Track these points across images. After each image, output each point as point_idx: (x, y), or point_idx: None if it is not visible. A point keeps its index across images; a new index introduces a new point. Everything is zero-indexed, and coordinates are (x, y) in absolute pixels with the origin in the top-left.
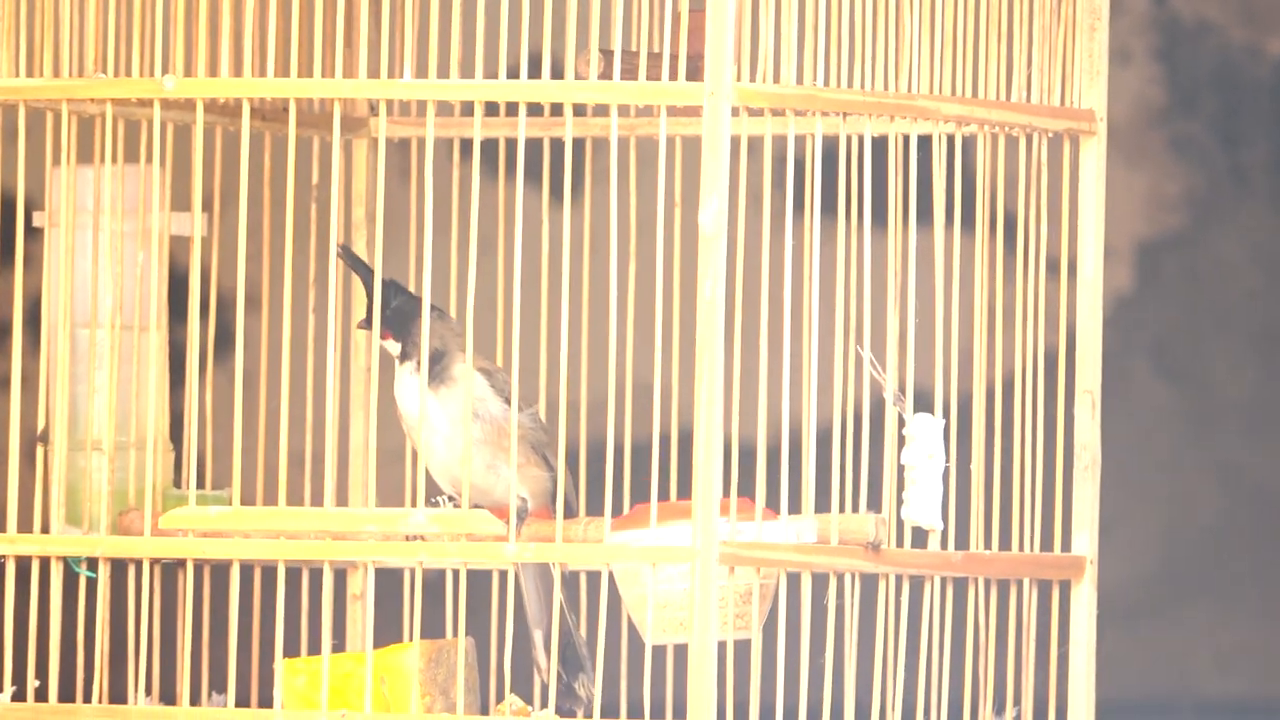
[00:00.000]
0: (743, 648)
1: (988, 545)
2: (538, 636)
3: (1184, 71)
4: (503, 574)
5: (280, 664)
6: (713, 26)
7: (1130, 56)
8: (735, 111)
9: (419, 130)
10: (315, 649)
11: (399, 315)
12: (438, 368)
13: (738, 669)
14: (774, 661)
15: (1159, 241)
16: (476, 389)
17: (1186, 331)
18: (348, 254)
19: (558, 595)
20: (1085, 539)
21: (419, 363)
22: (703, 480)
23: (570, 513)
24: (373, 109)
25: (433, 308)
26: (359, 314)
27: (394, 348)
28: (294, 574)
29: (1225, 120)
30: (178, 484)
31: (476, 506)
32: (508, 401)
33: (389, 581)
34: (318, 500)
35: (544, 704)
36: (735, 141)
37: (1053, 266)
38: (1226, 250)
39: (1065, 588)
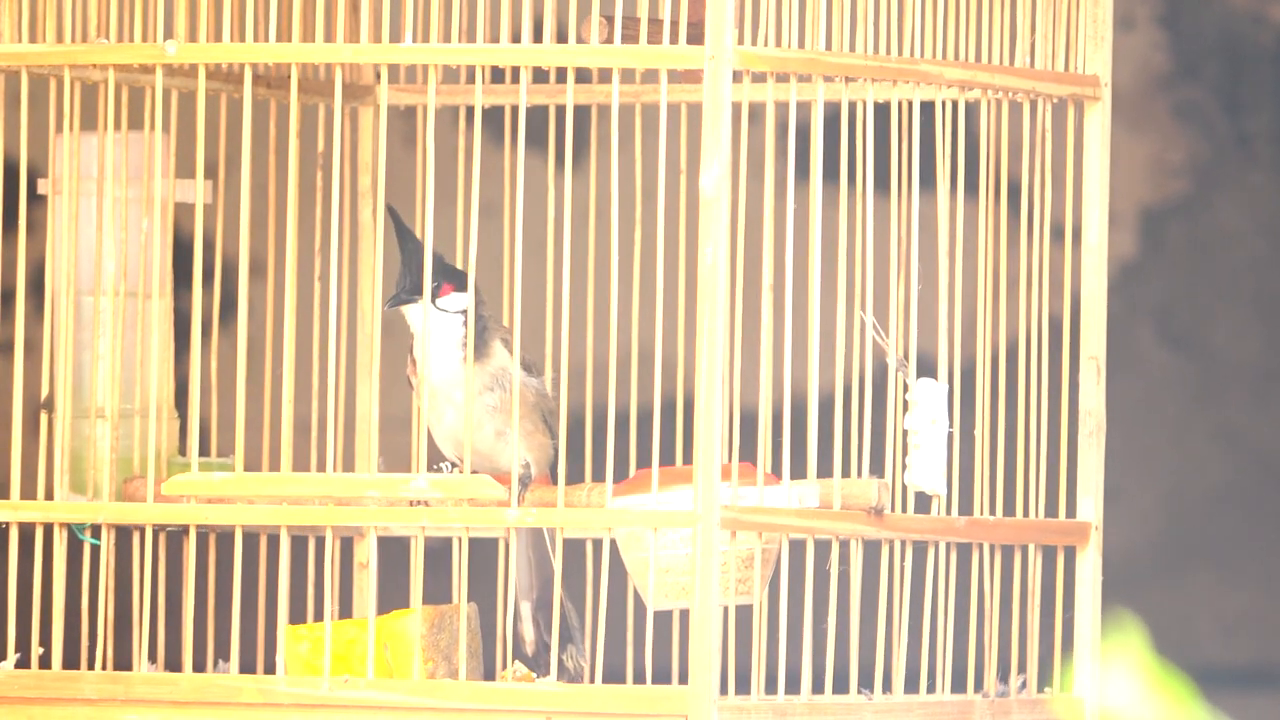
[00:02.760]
0: (745, 613)
1: (992, 511)
2: (525, 608)
3: (1187, 38)
4: (507, 541)
5: (284, 630)
6: None
7: (1134, 22)
8: (737, 76)
9: (423, 97)
10: (319, 615)
11: (459, 275)
12: (479, 340)
13: (740, 634)
14: (776, 627)
15: (1163, 208)
16: (510, 360)
17: (1190, 298)
18: (394, 215)
19: (559, 564)
20: (1090, 505)
21: (467, 330)
22: (704, 445)
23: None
24: (376, 75)
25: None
26: (364, 281)
27: (459, 301)
28: (298, 540)
29: (1229, 86)
30: (182, 451)
31: (478, 473)
32: (528, 371)
33: (393, 548)
34: (323, 467)
35: (545, 671)
36: (737, 107)
37: (1057, 232)
38: (1230, 217)
39: (1070, 554)
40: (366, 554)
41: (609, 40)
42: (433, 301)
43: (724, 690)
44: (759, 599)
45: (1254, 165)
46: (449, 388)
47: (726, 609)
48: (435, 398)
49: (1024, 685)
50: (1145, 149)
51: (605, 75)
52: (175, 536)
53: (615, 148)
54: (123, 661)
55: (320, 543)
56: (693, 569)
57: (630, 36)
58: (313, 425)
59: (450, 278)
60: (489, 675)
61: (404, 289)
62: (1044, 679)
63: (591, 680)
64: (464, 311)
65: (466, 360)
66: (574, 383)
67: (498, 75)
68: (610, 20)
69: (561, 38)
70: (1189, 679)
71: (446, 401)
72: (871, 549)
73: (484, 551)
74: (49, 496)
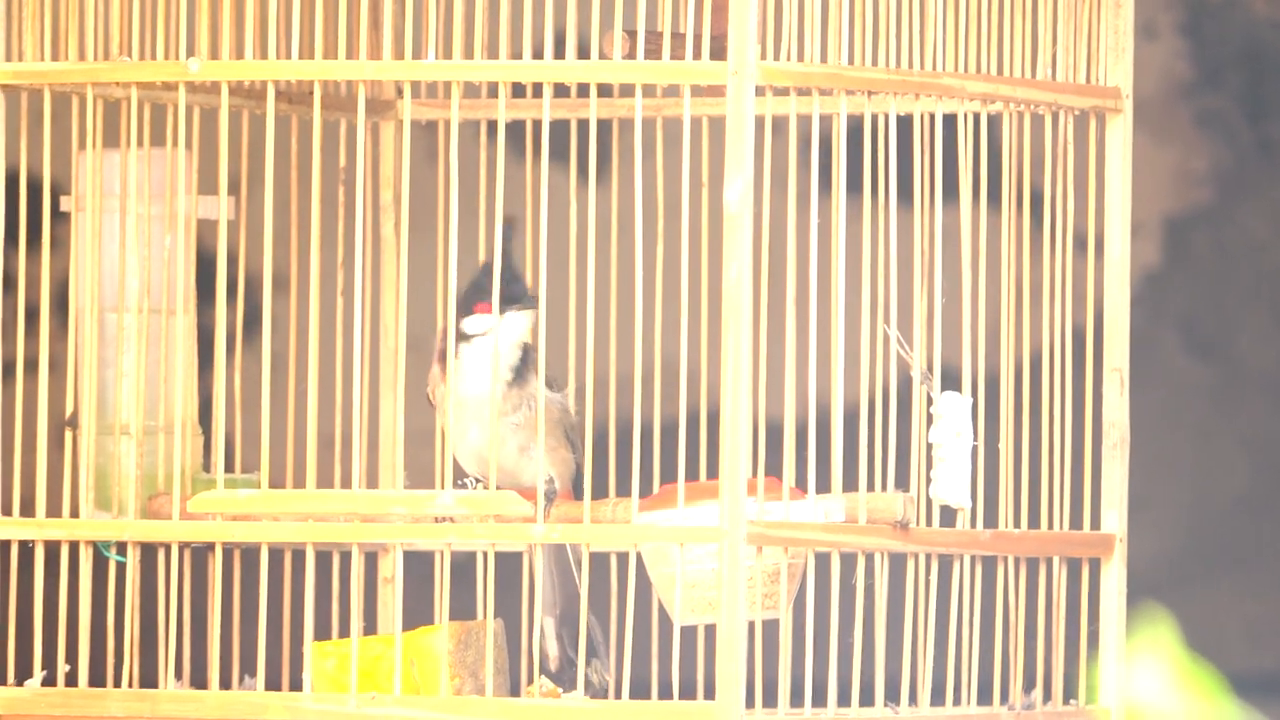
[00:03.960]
0: (771, 627)
1: (1016, 524)
2: (548, 623)
3: (1210, 46)
4: (530, 557)
5: (310, 647)
6: (736, 5)
7: (1156, 32)
8: (760, 91)
9: (445, 112)
10: (345, 632)
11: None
12: (521, 364)
13: (766, 649)
14: (802, 641)
15: (1186, 217)
16: (538, 379)
17: (1214, 306)
18: (508, 231)
19: (585, 579)
20: (1114, 517)
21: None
22: (730, 460)
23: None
24: (399, 91)
25: None
26: (387, 297)
27: (484, 323)
28: (323, 557)
29: (1251, 95)
30: (206, 468)
31: (502, 489)
32: (550, 387)
33: (418, 564)
34: (347, 483)
35: (571, 687)
36: (760, 121)
37: (1080, 244)
38: (1254, 225)
39: (1095, 565)
40: (391, 569)
41: (631, 55)
42: (459, 321)
43: (750, 704)
44: (785, 613)
45: (1277, 173)
46: (479, 405)
47: (753, 623)
48: (462, 414)
49: (1049, 698)
50: (1168, 158)
51: (626, 89)
52: (200, 553)
53: (639, 162)
54: (149, 679)
55: (344, 558)
56: (719, 584)
57: (653, 51)
58: (336, 440)
59: (485, 297)
60: (515, 691)
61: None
62: (1069, 691)
63: (618, 695)
64: (487, 334)
65: (501, 382)
66: (597, 397)
67: (518, 90)
68: (633, 35)
69: (583, 52)
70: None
71: (473, 418)
72: (897, 562)
73: (507, 566)
74: (74, 514)
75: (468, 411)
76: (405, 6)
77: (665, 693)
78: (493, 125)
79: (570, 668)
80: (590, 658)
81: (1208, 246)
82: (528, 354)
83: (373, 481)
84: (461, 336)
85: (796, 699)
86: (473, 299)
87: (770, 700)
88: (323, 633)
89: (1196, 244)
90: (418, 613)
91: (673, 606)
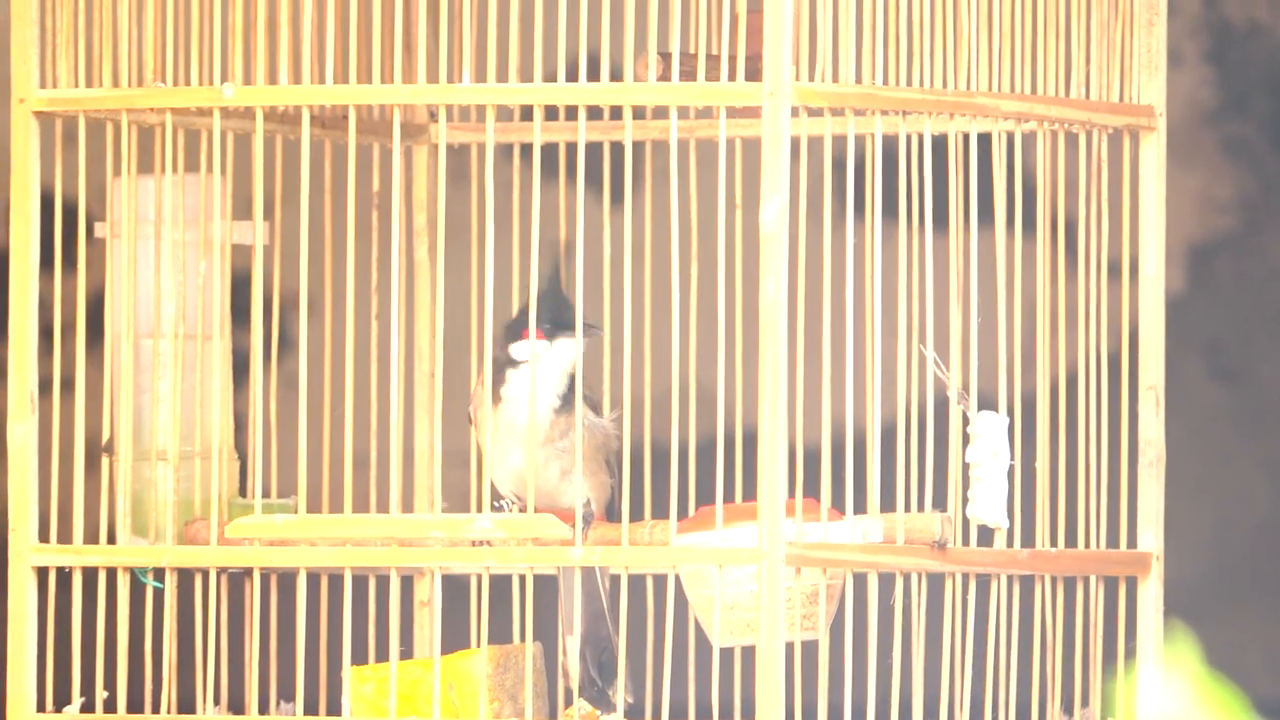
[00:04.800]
0: (810, 648)
1: (1053, 543)
2: (571, 643)
3: (1235, 73)
4: (557, 578)
5: (348, 672)
6: (771, 26)
7: (1182, 58)
8: (795, 111)
9: (479, 136)
10: (383, 656)
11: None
12: (569, 391)
13: (805, 670)
14: (841, 662)
15: (1211, 243)
16: (584, 406)
17: (1238, 332)
18: (559, 257)
19: (617, 600)
20: (1150, 535)
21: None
22: (767, 481)
23: (616, 516)
24: (432, 115)
25: None
26: (422, 320)
27: (525, 350)
28: (360, 581)
29: (1276, 122)
30: (243, 492)
31: (540, 511)
32: (594, 411)
33: (455, 587)
34: (383, 505)
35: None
36: (795, 142)
37: (1114, 264)
38: (1277, 251)
39: (1131, 584)
40: (428, 592)
41: (665, 77)
42: (508, 346)
43: None
44: (824, 634)
45: None
46: (525, 430)
47: (791, 645)
48: (509, 437)
49: (1088, 716)
50: (1193, 184)
51: (659, 111)
52: (236, 578)
53: (675, 184)
54: (186, 704)
55: (381, 581)
56: (758, 606)
57: (687, 73)
58: (371, 461)
59: (542, 321)
60: (553, 715)
61: (548, 323)
62: (1107, 709)
63: (656, 717)
64: (537, 359)
65: (549, 408)
66: (633, 419)
67: (551, 112)
68: (667, 57)
69: (616, 74)
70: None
71: (517, 442)
72: (934, 582)
73: (544, 590)
74: (111, 540)
75: (514, 435)
76: (439, 30)
77: (704, 714)
78: (526, 148)
79: (591, 687)
80: (613, 679)
81: (1231, 273)
82: (575, 380)
83: (408, 504)
84: (510, 361)
85: (835, 719)
86: (523, 325)
87: None
88: (360, 657)
89: (1220, 270)
90: (455, 636)
91: (711, 628)
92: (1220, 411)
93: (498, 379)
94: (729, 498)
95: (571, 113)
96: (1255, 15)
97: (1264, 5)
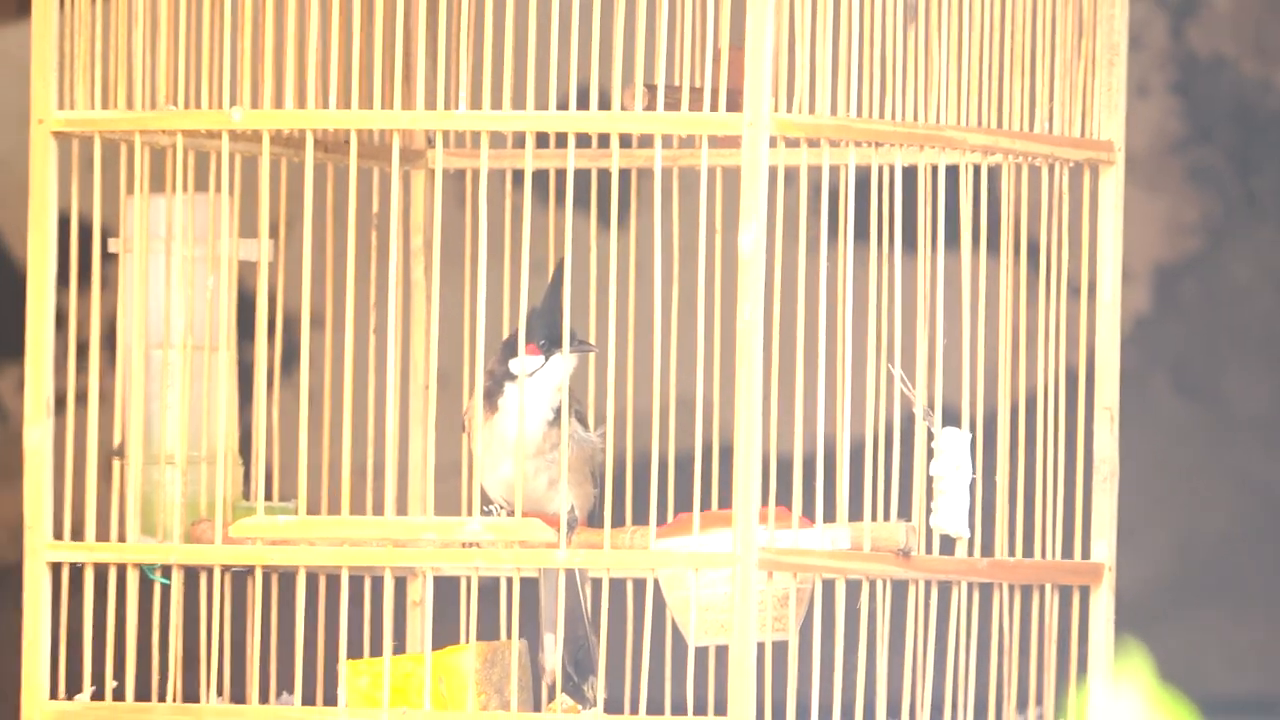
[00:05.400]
0: (780, 649)
1: (1012, 552)
2: (548, 640)
3: (1200, 103)
4: (538, 579)
5: (344, 665)
6: (751, 61)
7: (1149, 89)
8: (773, 141)
9: (474, 161)
10: (377, 651)
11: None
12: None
13: (776, 669)
14: (810, 662)
15: (1177, 265)
16: (573, 420)
17: (1203, 350)
18: (560, 271)
19: (594, 600)
20: (1104, 547)
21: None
22: (742, 490)
23: (599, 523)
24: (429, 141)
25: None
26: (418, 335)
27: (530, 364)
28: (357, 580)
29: (1239, 149)
30: (246, 495)
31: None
32: (583, 424)
33: (442, 586)
34: (379, 510)
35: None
36: (773, 171)
37: (1073, 289)
38: (1240, 273)
39: (1085, 593)
40: (420, 592)
41: (651, 107)
42: (509, 360)
43: None
44: (794, 635)
45: (1263, 223)
46: (519, 441)
47: (763, 645)
48: (501, 447)
49: (1042, 718)
50: (1160, 209)
51: (644, 140)
52: (240, 576)
53: (658, 210)
54: (191, 694)
55: (376, 581)
56: (732, 607)
57: (672, 104)
58: (369, 470)
59: (538, 337)
60: (537, 707)
61: (544, 340)
62: (1059, 710)
63: (635, 712)
64: (534, 374)
65: (543, 421)
66: (616, 431)
67: (543, 140)
68: (652, 89)
69: (604, 104)
70: (1196, 708)
71: (509, 453)
72: (899, 588)
73: (529, 591)
74: (121, 539)
75: (507, 446)
76: (436, 60)
77: (679, 710)
78: (518, 174)
79: (567, 682)
80: (588, 675)
81: (1196, 293)
82: (564, 395)
83: (403, 509)
84: (508, 375)
85: (803, 717)
86: (521, 341)
87: (779, 717)
88: (356, 652)
89: (1186, 291)
90: (445, 634)
91: (687, 628)
92: (1185, 426)
93: (495, 391)
94: (706, 505)
95: (562, 140)
96: (1219, 49)
97: (1228, 39)
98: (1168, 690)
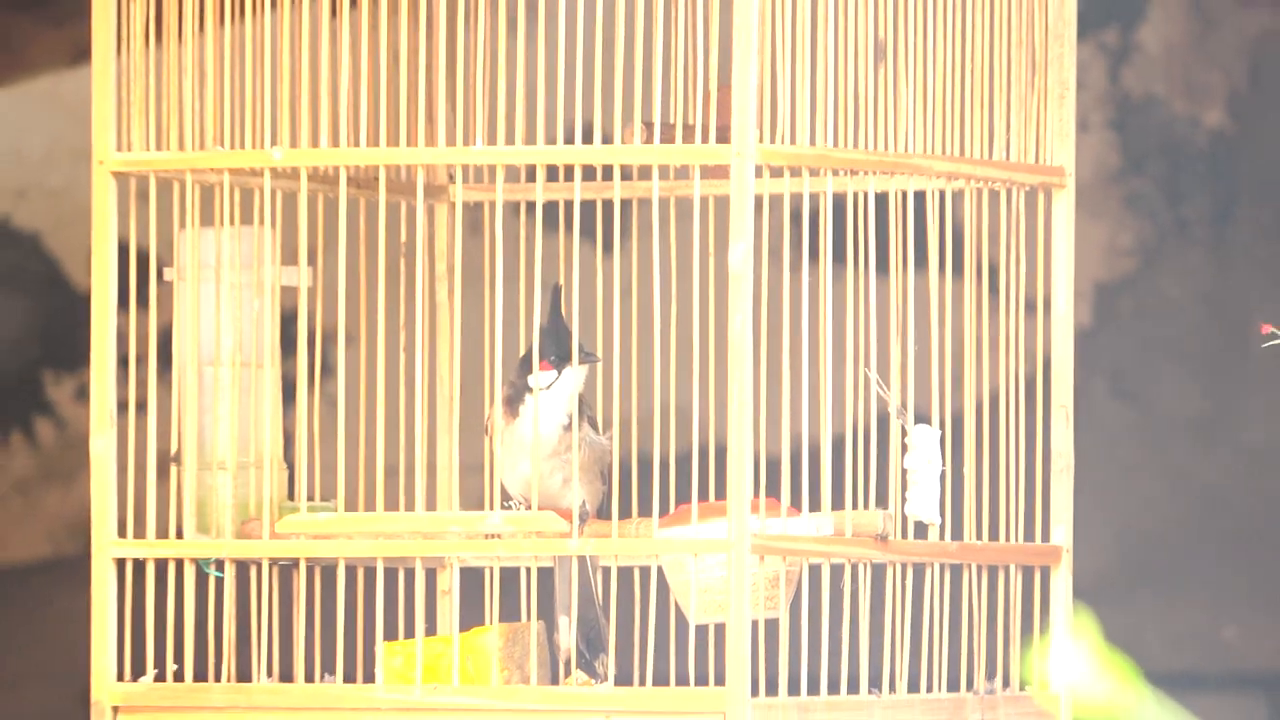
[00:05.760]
0: (772, 626)
1: (979, 536)
2: (563, 621)
3: (1134, 138)
4: (553, 568)
5: (380, 647)
6: (738, 98)
7: (1089, 125)
8: (758, 170)
9: (490, 194)
10: (410, 633)
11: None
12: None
13: (768, 644)
14: (799, 637)
15: (1115, 283)
16: (586, 426)
17: (1138, 360)
18: (557, 295)
19: (604, 584)
20: (1062, 531)
21: (573, 400)
22: (735, 484)
23: (608, 516)
24: (450, 178)
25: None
26: (442, 351)
27: (546, 378)
28: (391, 571)
29: (1170, 180)
30: (291, 496)
31: (544, 509)
32: (595, 429)
33: (468, 577)
34: (410, 507)
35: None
36: (758, 198)
37: (1030, 303)
38: (1171, 290)
39: (1045, 573)
40: (448, 582)
41: (648, 141)
42: (527, 373)
43: (755, 691)
44: (784, 613)
45: (1191, 246)
46: (537, 446)
47: (756, 622)
48: (520, 451)
49: (1008, 683)
50: (1100, 233)
51: (643, 173)
52: (286, 569)
53: (656, 234)
54: (243, 674)
55: (409, 573)
56: (727, 589)
57: (667, 139)
58: (400, 470)
59: (549, 354)
60: (554, 681)
61: (555, 356)
62: (1024, 677)
63: (642, 684)
64: (549, 387)
65: (559, 426)
66: (622, 434)
67: (552, 174)
68: (650, 126)
69: (606, 140)
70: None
71: (527, 455)
72: (877, 570)
73: (547, 578)
74: (179, 536)
75: (525, 449)
76: (455, 101)
77: (682, 682)
78: (530, 205)
79: (581, 659)
80: (599, 653)
81: (1132, 308)
82: (581, 403)
83: (431, 505)
84: (528, 388)
85: (794, 687)
86: (538, 357)
87: (772, 688)
88: (391, 635)
89: (1122, 306)
90: (471, 616)
91: (688, 609)
92: (1122, 428)
93: (516, 399)
94: (703, 498)
95: (569, 173)
96: (1152, 89)
97: (1160, 80)
98: (1114, 653)
